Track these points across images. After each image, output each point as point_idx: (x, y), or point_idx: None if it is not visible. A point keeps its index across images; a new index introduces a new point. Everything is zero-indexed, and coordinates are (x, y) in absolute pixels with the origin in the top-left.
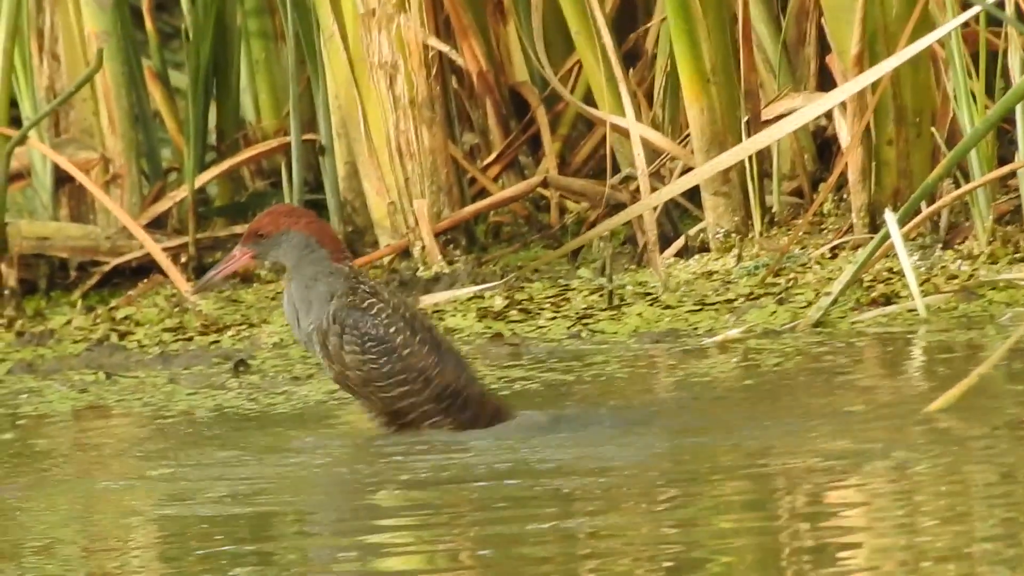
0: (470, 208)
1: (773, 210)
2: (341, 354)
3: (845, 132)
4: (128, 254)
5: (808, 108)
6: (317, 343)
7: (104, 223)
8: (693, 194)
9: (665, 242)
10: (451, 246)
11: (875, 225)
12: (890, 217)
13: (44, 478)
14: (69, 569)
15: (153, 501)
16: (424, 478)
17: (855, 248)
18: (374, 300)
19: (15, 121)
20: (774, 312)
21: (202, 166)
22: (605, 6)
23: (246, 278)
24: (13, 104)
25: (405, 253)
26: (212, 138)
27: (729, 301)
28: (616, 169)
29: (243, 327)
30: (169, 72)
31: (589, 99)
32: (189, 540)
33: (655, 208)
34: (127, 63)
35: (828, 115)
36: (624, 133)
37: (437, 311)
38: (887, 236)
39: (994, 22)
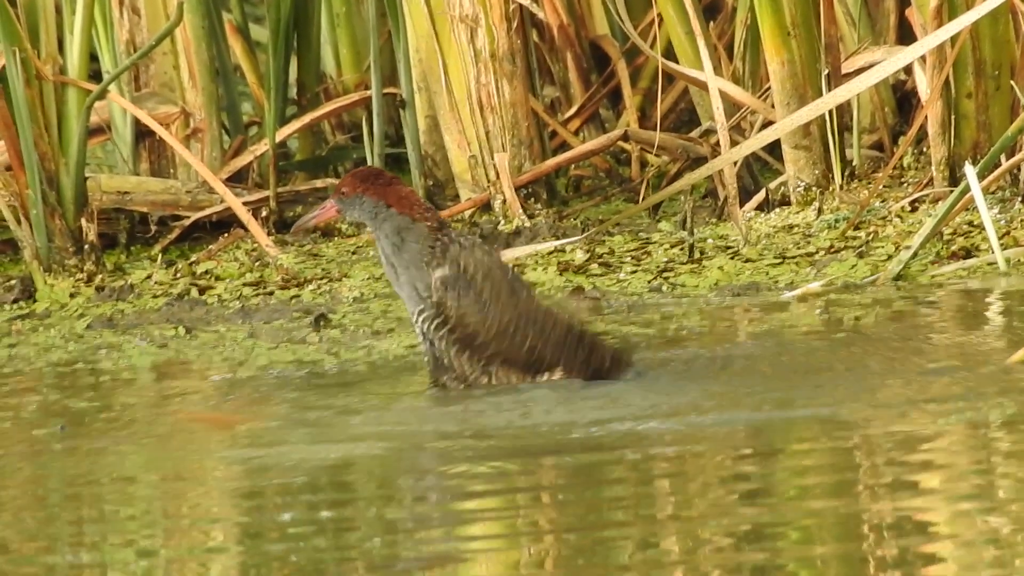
0: (551, 162)
1: (853, 163)
2: (466, 310)
3: (924, 85)
4: (208, 208)
5: (888, 62)
6: (415, 300)
7: (184, 177)
8: (774, 147)
9: (746, 195)
10: (532, 200)
11: (955, 178)
12: (970, 170)
13: (123, 433)
14: (147, 512)
15: (232, 456)
16: (500, 436)
17: (935, 201)
18: (456, 248)
19: (95, 75)
20: (854, 265)
21: (283, 120)
22: None
23: (327, 232)
24: (93, 58)
25: (486, 207)
26: (293, 92)
27: (809, 254)
28: (697, 122)
29: (324, 281)
30: (250, 26)
31: (669, 53)
32: (268, 497)
33: (736, 162)
34: (208, 17)
35: (908, 68)
36: (703, 87)
37: (518, 265)
38: (967, 189)
39: None
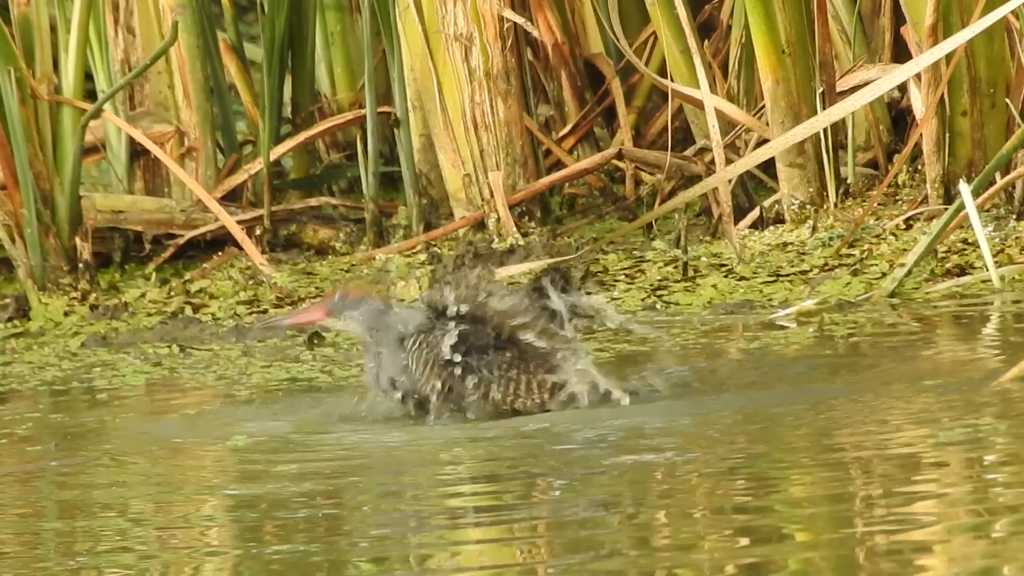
0: (545, 180)
1: (848, 181)
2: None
3: (919, 103)
4: (203, 227)
5: (883, 80)
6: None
7: (179, 196)
8: (768, 165)
9: (740, 213)
10: (526, 218)
11: (949, 196)
12: (964, 188)
13: (116, 451)
14: (141, 538)
15: (226, 474)
16: (492, 453)
17: (929, 219)
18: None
19: (90, 94)
20: (849, 283)
21: (277, 139)
22: None
23: (320, 251)
24: (88, 77)
25: (480, 225)
26: (287, 111)
27: (803, 272)
28: (691, 141)
29: (317, 299)
30: (244, 45)
31: (664, 71)
32: (261, 513)
33: (730, 180)
34: (202, 36)
35: (902, 86)
36: (698, 105)
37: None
38: (961, 207)
39: None
